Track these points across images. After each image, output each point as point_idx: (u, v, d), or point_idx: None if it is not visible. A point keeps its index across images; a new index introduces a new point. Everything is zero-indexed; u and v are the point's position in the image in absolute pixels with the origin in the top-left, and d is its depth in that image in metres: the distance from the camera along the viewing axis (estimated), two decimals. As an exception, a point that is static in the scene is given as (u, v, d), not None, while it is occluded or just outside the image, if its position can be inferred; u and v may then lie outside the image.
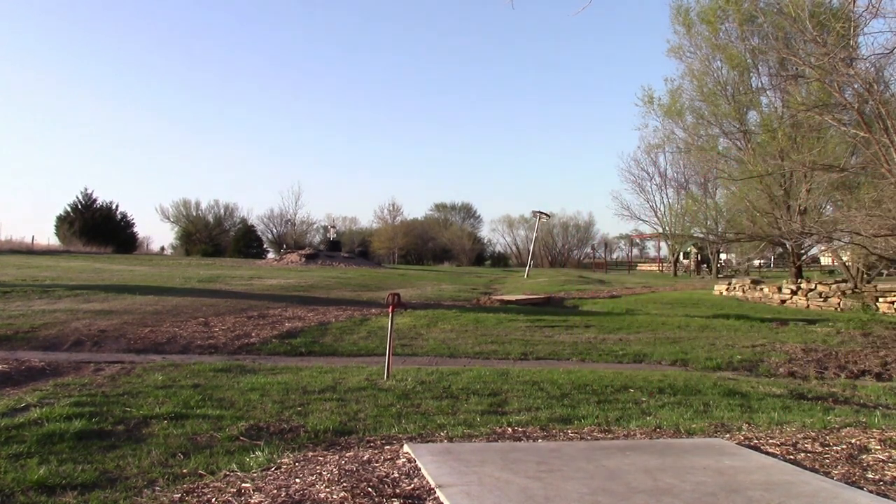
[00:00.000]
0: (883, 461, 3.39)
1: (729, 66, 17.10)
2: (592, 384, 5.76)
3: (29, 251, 30.18)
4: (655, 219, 37.50)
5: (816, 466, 3.29)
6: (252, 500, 2.71)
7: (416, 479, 2.92)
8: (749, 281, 18.44)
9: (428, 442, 3.71)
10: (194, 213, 54.95)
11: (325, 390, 5.27)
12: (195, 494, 2.84)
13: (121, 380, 5.57)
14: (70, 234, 39.40)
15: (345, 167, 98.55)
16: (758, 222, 17.20)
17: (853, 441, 3.81)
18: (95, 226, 41.05)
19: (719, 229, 22.43)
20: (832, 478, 3.09)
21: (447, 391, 5.34)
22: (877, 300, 14.12)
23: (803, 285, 16.07)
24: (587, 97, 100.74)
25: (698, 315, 12.77)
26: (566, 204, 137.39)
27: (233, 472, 3.17)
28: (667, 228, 36.56)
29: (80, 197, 43.77)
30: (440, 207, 69.40)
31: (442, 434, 3.96)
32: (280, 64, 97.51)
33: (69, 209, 43.20)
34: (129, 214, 46.81)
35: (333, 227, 47.39)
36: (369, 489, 2.77)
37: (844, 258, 17.82)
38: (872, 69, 8.98)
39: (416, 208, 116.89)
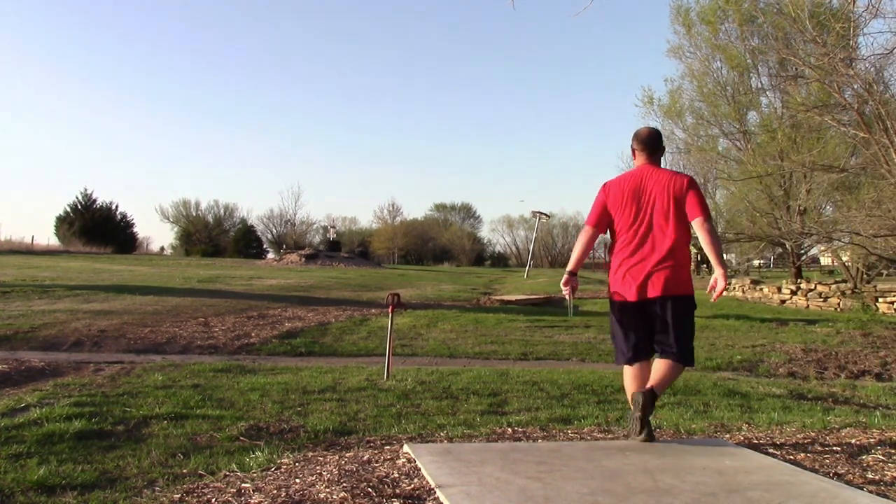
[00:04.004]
0: (883, 461, 3.39)
1: (729, 66, 17.11)
2: (592, 384, 5.76)
3: (29, 251, 30.20)
4: (655, 219, 37.47)
5: (816, 466, 3.29)
6: (252, 500, 2.71)
7: (415, 480, 2.92)
8: (749, 281, 18.45)
9: (428, 442, 3.71)
10: (194, 214, 54.98)
11: (325, 390, 5.27)
12: (195, 494, 2.84)
13: (121, 380, 5.57)
14: (70, 235, 39.44)
15: (344, 167, 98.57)
16: (757, 222, 17.21)
17: (853, 441, 3.81)
18: (95, 226, 41.09)
19: (719, 229, 22.43)
20: (832, 478, 3.10)
21: (447, 391, 5.34)
22: (876, 300, 14.12)
23: (803, 285, 16.07)
24: (587, 97, 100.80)
25: (698, 315, 12.68)
26: (566, 204, 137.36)
27: (233, 472, 3.17)
28: (666, 228, 36.47)
29: (80, 197, 43.86)
30: (440, 207, 69.50)
31: (442, 434, 3.96)
32: (280, 63, 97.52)
33: (69, 209, 43.25)
34: (128, 214, 46.98)
35: (333, 227, 47.42)
36: (369, 489, 2.77)
37: (844, 258, 17.84)
38: (872, 69, 8.99)
39: (416, 208, 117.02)
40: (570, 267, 3.73)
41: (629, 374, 3.60)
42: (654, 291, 3.48)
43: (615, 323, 3.65)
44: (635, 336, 3.57)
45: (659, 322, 3.53)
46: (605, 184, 3.70)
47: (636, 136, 3.71)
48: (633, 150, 3.71)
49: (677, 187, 3.52)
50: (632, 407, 3.48)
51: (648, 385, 3.44)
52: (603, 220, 3.66)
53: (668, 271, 3.48)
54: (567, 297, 3.76)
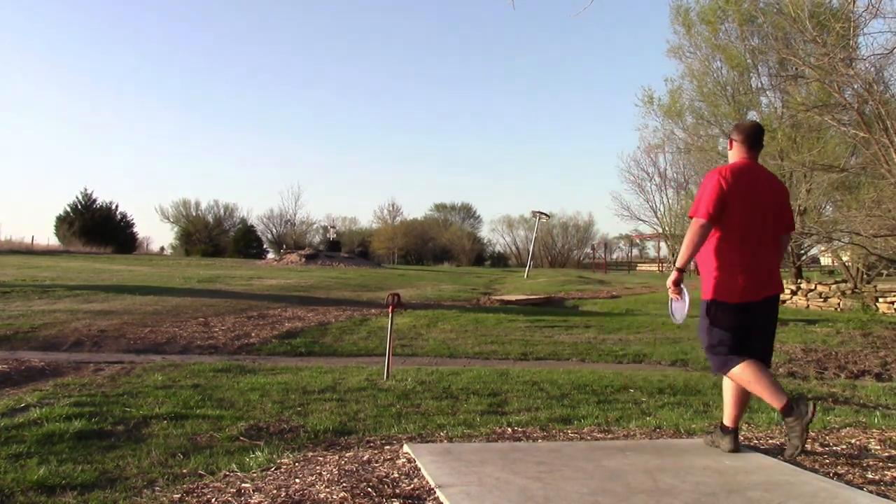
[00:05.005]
0: (883, 461, 3.39)
1: (729, 66, 17.09)
2: (592, 384, 5.76)
3: (29, 251, 30.19)
4: (655, 219, 37.45)
5: (816, 466, 3.29)
6: (252, 500, 2.71)
7: (415, 480, 2.92)
8: (749, 281, 18.39)
9: (428, 442, 3.71)
10: (194, 214, 54.88)
11: (325, 390, 5.28)
12: (195, 494, 2.84)
13: (121, 380, 5.57)
14: (70, 235, 39.41)
15: (344, 167, 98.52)
16: (757, 222, 17.17)
17: (853, 441, 3.82)
18: (95, 226, 41.05)
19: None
20: (832, 478, 3.10)
21: (447, 391, 5.34)
22: (876, 300, 14.11)
23: (803, 285, 16.07)
24: (587, 97, 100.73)
25: (699, 315, 12.76)
26: (566, 204, 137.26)
27: (233, 472, 3.17)
28: (667, 229, 36.51)
29: (80, 197, 43.79)
30: (440, 207, 69.36)
31: (442, 434, 3.96)
32: (279, 63, 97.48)
33: (69, 209, 43.19)
34: (128, 214, 46.87)
35: (333, 227, 47.38)
36: (369, 489, 2.78)
37: (844, 258, 17.82)
38: (872, 69, 8.99)
39: (416, 208, 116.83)
40: (680, 264, 3.42)
41: (755, 368, 3.29)
42: (772, 289, 3.41)
43: (729, 321, 3.35)
44: (745, 335, 3.38)
45: (761, 322, 3.42)
46: (721, 173, 3.37)
47: (741, 129, 3.53)
48: (732, 142, 3.53)
49: (784, 192, 3.54)
50: (796, 420, 3.21)
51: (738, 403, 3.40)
52: (719, 211, 3.32)
53: (779, 271, 3.50)
54: (675, 298, 3.51)
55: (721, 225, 3.34)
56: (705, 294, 3.43)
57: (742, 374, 3.31)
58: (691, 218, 3.39)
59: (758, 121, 3.73)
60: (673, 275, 3.48)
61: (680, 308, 3.50)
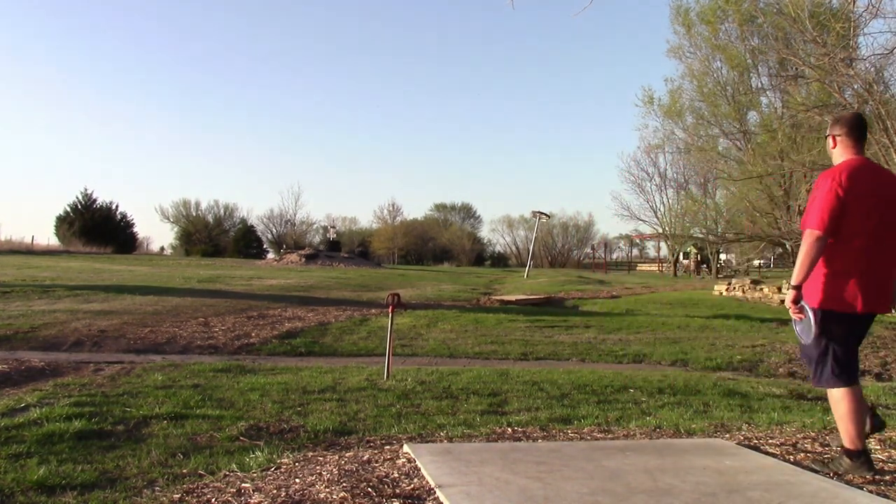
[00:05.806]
0: (883, 461, 3.39)
1: (729, 66, 17.12)
2: (592, 384, 5.76)
3: (29, 251, 30.17)
4: (655, 219, 37.50)
5: (816, 466, 3.29)
6: (252, 500, 2.71)
7: (415, 480, 2.92)
8: (749, 281, 18.43)
9: (428, 442, 3.71)
10: (194, 214, 54.89)
11: (325, 390, 5.28)
12: (195, 494, 2.84)
13: (121, 380, 5.57)
14: (70, 235, 39.39)
15: (345, 167, 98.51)
16: (758, 222, 17.22)
17: (853, 441, 3.81)
18: (95, 226, 41.04)
19: (719, 229, 22.43)
20: (832, 478, 3.10)
21: (447, 391, 5.34)
22: (877, 300, 14.10)
23: (803, 285, 16.04)
24: (587, 97, 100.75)
25: (698, 315, 12.77)
26: (566, 204, 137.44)
27: (232, 472, 3.17)
28: (667, 229, 36.55)
29: (80, 197, 43.78)
30: (440, 207, 69.39)
31: (442, 434, 3.96)
32: (279, 63, 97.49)
33: (69, 209, 43.18)
34: (128, 214, 46.86)
35: (333, 227, 47.40)
36: (369, 489, 2.78)
37: (844, 258, 17.80)
38: (872, 69, 9.00)
39: (416, 208, 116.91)
40: (796, 281, 3.07)
41: (856, 397, 3.05)
42: (884, 306, 3.13)
43: (843, 336, 3.07)
44: (853, 349, 3.14)
45: (861, 336, 3.21)
46: (835, 177, 3.03)
47: (843, 122, 3.18)
48: (834, 138, 3.19)
49: None
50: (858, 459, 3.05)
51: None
52: (836, 220, 2.98)
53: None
54: (797, 318, 3.16)
55: (839, 228, 3.00)
56: (812, 300, 3.11)
57: (840, 399, 3.07)
58: (804, 229, 3.06)
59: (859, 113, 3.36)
60: (790, 294, 3.14)
61: (805, 327, 3.18)
